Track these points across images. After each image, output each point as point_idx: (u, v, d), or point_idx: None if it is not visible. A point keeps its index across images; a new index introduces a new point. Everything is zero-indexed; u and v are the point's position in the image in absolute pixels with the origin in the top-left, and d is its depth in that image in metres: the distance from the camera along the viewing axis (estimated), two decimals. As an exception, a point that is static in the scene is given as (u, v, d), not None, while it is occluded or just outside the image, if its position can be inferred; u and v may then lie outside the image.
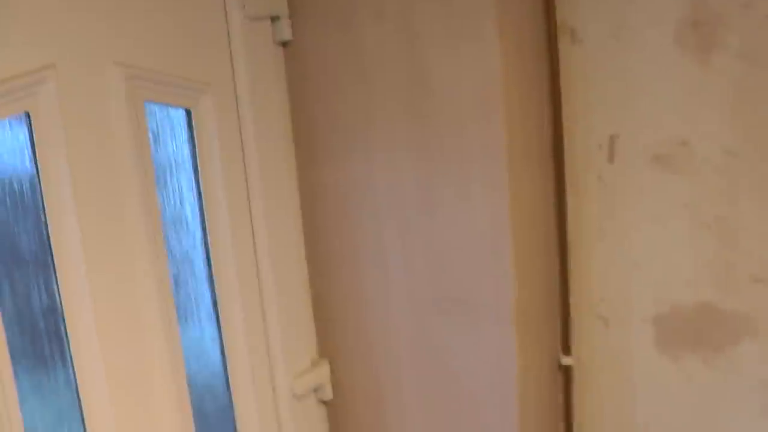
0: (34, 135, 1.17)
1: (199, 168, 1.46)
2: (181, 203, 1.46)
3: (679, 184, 1.46)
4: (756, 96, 1.34)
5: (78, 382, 1.14)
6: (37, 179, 1.18)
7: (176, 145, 1.46)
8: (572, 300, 1.62)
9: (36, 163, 1.18)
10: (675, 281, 1.50)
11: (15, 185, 1.19)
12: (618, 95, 1.50)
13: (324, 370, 1.76)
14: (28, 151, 1.19)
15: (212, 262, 1.48)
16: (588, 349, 1.62)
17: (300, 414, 1.69)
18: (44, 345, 1.19)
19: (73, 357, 1.20)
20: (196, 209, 1.48)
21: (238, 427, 1.56)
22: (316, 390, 1.76)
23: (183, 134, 1.46)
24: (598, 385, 1.63)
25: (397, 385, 1.70)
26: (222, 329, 1.52)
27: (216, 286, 1.51)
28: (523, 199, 1.46)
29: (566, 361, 1.63)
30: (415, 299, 1.57)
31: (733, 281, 1.42)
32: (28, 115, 1.16)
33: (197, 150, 1.45)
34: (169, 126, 1.45)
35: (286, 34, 1.60)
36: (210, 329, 1.52)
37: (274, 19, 1.58)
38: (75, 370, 1.20)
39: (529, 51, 1.46)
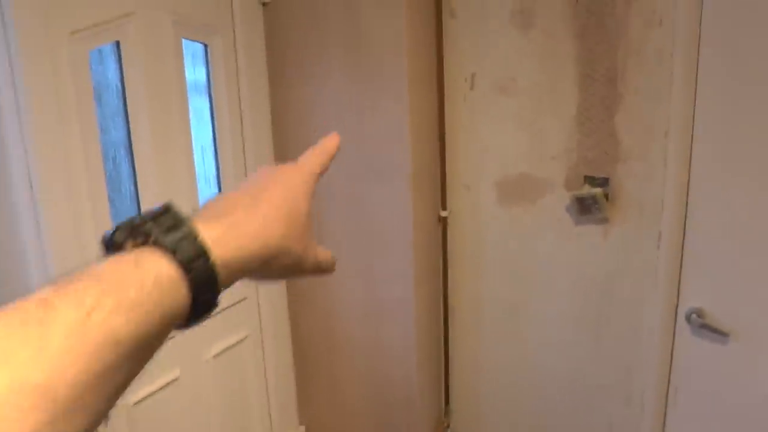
0: (122, 57, 1.87)
1: (211, 83, 2.16)
2: (199, 106, 2.16)
3: (510, 103, 2.04)
4: (550, 53, 1.94)
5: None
6: (121, 83, 1.88)
7: (196, 69, 2.15)
8: (447, 172, 2.19)
9: (122, 73, 1.87)
10: (507, 160, 2.09)
11: (110, 88, 1.88)
12: (477, 50, 2.07)
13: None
14: (116, 66, 1.88)
15: (217, 141, 2.18)
16: (457, 205, 2.22)
17: None
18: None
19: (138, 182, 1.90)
20: (208, 111, 2.19)
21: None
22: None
23: (201, 62, 2.16)
24: (462, 228, 2.23)
25: (335, 234, 2.27)
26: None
27: (219, 156, 2.20)
28: (417, 107, 2.08)
29: (443, 213, 2.23)
30: (349, 171, 2.17)
31: (539, 159, 2.02)
32: (117, 44, 1.85)
33: (210, 71, 2.15)
34: (192, 55, 2.13)
35: None
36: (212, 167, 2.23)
37: None
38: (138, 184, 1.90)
39: (423, 19, 2.07)
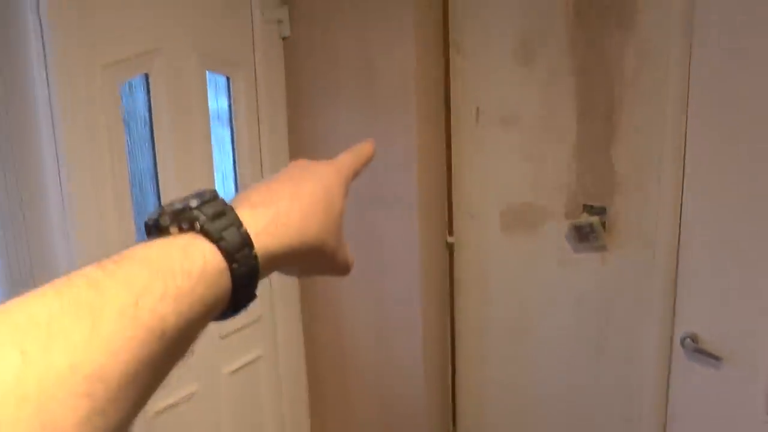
0: (150, 88, 2.00)
1: (233, 113, 2.29)
2: (221, 135, 2.29)
3: (513, 135, 2.13)
4: (551, 88, 2.03)
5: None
6: (149, 113, 2.01)
7: (219, 99, 2.28)
8: (453, 201, 2.28)
9: (149, 104, 2.01)
10: (510, 190, 2.16)
11: (138, 118, 2.01)
12: (481, 85, 2.15)
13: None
14: (144, 97, 2.01)
15: (237, 168, 2.30)
16: (463, 232, 2.30)
17: (282, 278, 2.50)
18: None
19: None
20: (230, 139, 2.31)
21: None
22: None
23: (224, 93, 2.29)
24: (468, 254, 2.31)
25: None
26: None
27: (238, 182, 2.32)
28: (425, 139, 2.18)
29: (450, 240, 2.31)
30: (359, 198, 2.19)
31: (540, 189, 2.10)
32: (146, 76, 1.99)
33: (232, 102, 2.28)
34: (215, 87, 2.26)
35: (286, 32, 2.33)
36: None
37: (279, 21, 2.32)
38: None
39: (431, 55, 2.17)
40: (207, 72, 2.15)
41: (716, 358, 1.91)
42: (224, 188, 2.29)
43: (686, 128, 1.85)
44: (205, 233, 0.44)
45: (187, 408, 2.15)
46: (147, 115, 2.01)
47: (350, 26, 2.21)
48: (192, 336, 0.42)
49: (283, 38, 2.36)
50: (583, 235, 2.05)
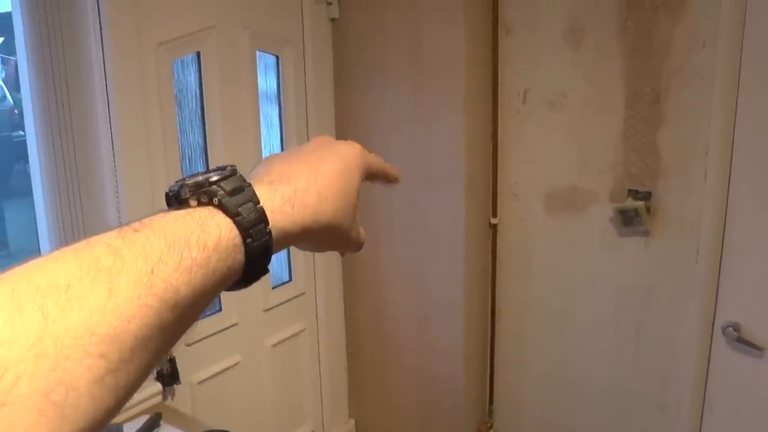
0: (201, 66, 2.05)
1: (281, 91, 2.33)
2: (269, 113, 2.33)
3: (560, 117, 2.12)
4: (599, 70, 2.03)
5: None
6: (200, 90, 2.06)
7: (268, 78, 2.32)
8: (498, 181, 2.29)
9: (201, 81, 2.05)
10: (556, 172, 2.17)
11: (190, 94, 2.06)
12: (530, 66, 2.16)
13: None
14: (196, 74, 2.06)
15: (285, 146, 2.33)
16: (506, 214, 2.31)
17: (327, 255, 2.52)
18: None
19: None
20: (277, 117, 2.35)
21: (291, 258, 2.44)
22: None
23: (273, 72, 2.33)
24: (511, 235, 2.32)
25: (390, 237, 2.40)
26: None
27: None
28: (472, 119, 2.19)
29: (494, 221, 2.32)
30: (406, 177, 2.26)
31: (585, 172, 2.10)
32: (198, 54, 2.03)
33: (281, 80, 2.32)
34: (264, 65, 2.30)
35: (335, 13, 2.36)
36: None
37: (329, 3, 2.35)
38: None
39: (480, 35, 2.18)
40: (257, 51, 2.18)
41: (758, 348, 1.89)
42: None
43: (736, 115, 1.82)
44: (222, 208, 0.45)
45: (230, 378, 2.21)
46: (198, 91, 2.06)
47: (399, 8, 2.22)
48: (203, 304, 0.43)
49: (332, 19, 2.39)
50: (628, 219, 2.04)
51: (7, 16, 1.66)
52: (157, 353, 0.39)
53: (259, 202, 0.47)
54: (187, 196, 0.46)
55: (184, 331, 0.42)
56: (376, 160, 0.62)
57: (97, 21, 1.71)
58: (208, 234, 0.43)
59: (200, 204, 0.46)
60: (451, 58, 2.16)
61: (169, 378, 1.97)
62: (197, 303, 0.42)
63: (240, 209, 0.45)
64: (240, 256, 0.45)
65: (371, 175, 0.62)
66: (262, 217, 0.46)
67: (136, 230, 0.40)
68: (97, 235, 0.40)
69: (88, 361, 0.34)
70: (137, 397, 1.82)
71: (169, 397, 2.01)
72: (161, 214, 0.44)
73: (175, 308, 0.39)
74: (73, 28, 1.68)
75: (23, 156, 1.74)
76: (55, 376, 0.33)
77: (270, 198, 0.48)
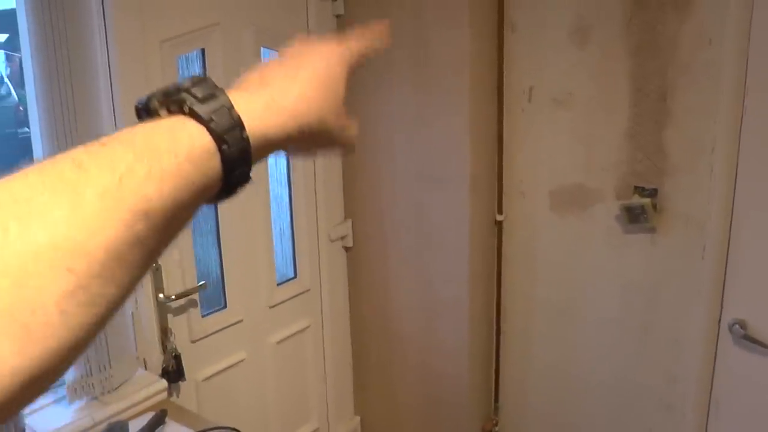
0: (206, 62, 2.04)
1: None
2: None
3: (565, 115, 2.12)
4: (605, 69, 2.01)
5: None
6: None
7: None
8: (504, 179, 2.28)
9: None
10: (561, 170, 2.16)
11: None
12: (535, 63, 2.15)
13: (348, 225, 2.51)
14: (200, 71, 2.05)
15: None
16: (512, 211, 2.30)
17: (332, 252, 2.54)
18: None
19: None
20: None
21: (297, 254, 2.45)
22: (342, 238, 2.51)
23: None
24: (516, 233, 2.32)
25: (396, 235, 2.40)
26: (291, 192, 2.39)
27: (291, 171, 2.36)
28: (478, 118, 2.18)
29: (499, 218, 2.32)
30: (410, 177, 2.30)
31: (591, 170, 2.09)
32: (203, 51, 2.03)
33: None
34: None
35: (340, 9, 2.35)
36: (286, 192, 2.40)
37: (333, 0, 2.35)
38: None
39: (486, 33, 2.17)
40: (262, 48, 2.18)
41: (765, 346, 1.89)
42: (276, 161, 2.33)
43: (742, 112, 1.81)
44: (193, 115, 0.43)
45: (235, 375, 2.21)
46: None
47: (404, 5, 2.21)
48: (183, 217, 0.42)
49: (337, 16, 2.38)
50: (634, 217, 2.03)
51: (11, 13, 1.66)
52: (135, 269, 0.38)
53: (232, 108, 0.45)
54: (156, 106, 0.45)
55: (165, 245, 0.41)
56: (360, 44, 0.60)
57: (102, 17, 1.71)
58: (178, 142, 0.41)
59: (171, 113, 0.44)
60: (457, 56, 2.15)
61: (175, 375, 1.97)
62: (174, 214, 0.40)
63: (213, 116, 0.43)
64: (216, 164, 0.43)
65: (360, 62, 0.59)
66: (237, 123, 0.44)
67: (103, 144, 0.39)
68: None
69: (53, 274, 0.33)
70: (143, 393, 1.83)
71: (175, 394, 2.01)
72: (129, 128, 0.42)
73: (147, 219, 0.38)
74: (78, 25, 1.67)
75: (28, 153, 1.74)
76: (18, 293, 0.32)
77: (245, 104, 0.46)
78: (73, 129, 1.72)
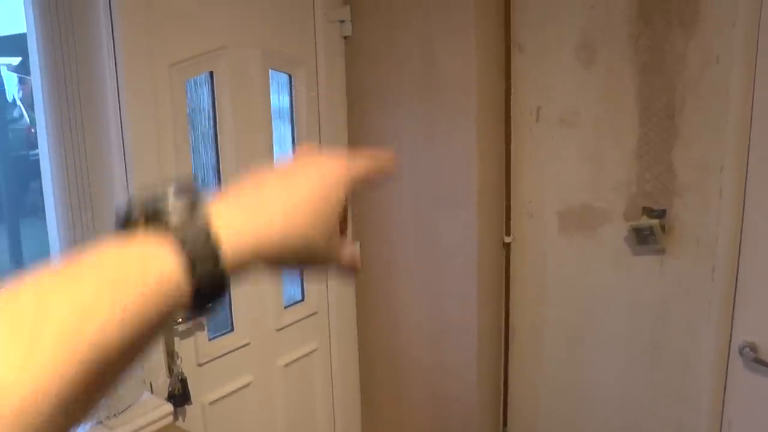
0: (214, 85, 2.06)
1: (294, 109, 2.33)
2: (282, 131, 2.33)
3: (573, 135, 2.11)
4: (612, 88, 2.01)
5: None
6: (212, 110, 2.07)
7: (281, 96, 2.33)
8: (512, 200, 2.28)
9: (213, 101, 2.06)
10: (569, 190, 2.15)
11: (202, 114, 2.07)
12: (543, 83, 2.16)
13: (355, 248, 2.49)
14: (209, 94, 2.07)
15: None
16: (520, 232, 2.30)
17: None
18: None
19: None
20: (290, 135, 2.35)
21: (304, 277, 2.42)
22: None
23: (285, 90, 2.33)
24: (525, 254, 2.31)
25: (404, 255, 2.40)
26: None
27: None
28: (485, 138, 2.18)
29: (507, 239, 2.31)
30: (418, 198, 2.29)
31: (600, 190, 2.08)
32: (211, 73, 2.04)
33: (294, 99, 2.32)
34: (277, 84, 2.31)
35: (348, 31, 2.36)
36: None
37: (341, 21, 2.35)
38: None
39: (493, 53, 2.18)
40: (270, 70, 2.19)
41: (777, 368, 1.87)
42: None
43: (750, 130, 1.80)
44: (170, 239, 0.42)
45: (242, 398, 2.20)
46: (211, 111, 2.07)
47: (412, 26, 2.23)
48: (147, 342, 0.41)
49: (345, 37, 2.40)
50: (642, 238, 2.02)
51: (25, 36, 1.68)
52: (97, 394, 0.38)
53: (211, 232, 0.43)
54: (137, 218, 0.44)
55: (129, 368, 0.41)
56: (365, 168, 0.57)
57: (111, 41, 1.72)
58: (148, 273, 0.40)
59: (149, 224, 0.43)
60: (464, 76, 2.16)
61: (181, 398, 1.96)
62: (135, 344, 0.39)
63: (190, 242, 0.42)
64: (186, 290, 0.42)
65: (363, 183, 0.57)
66: (213, 252, 0.43)
67: (69, 267, 0.39)
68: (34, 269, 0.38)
69: (7, 420, 0.32)
70: (148, 417, 1.82)
71: (181, 418, 2.00)
72: (103, 246, 0.41)
73: (107, 352, 0.37)
74: (87, 49, 1.69)
75: (38, 175, 1.75)
76: None
77: (230, 216, 0.45)
78: (81, 151, 1.73)
